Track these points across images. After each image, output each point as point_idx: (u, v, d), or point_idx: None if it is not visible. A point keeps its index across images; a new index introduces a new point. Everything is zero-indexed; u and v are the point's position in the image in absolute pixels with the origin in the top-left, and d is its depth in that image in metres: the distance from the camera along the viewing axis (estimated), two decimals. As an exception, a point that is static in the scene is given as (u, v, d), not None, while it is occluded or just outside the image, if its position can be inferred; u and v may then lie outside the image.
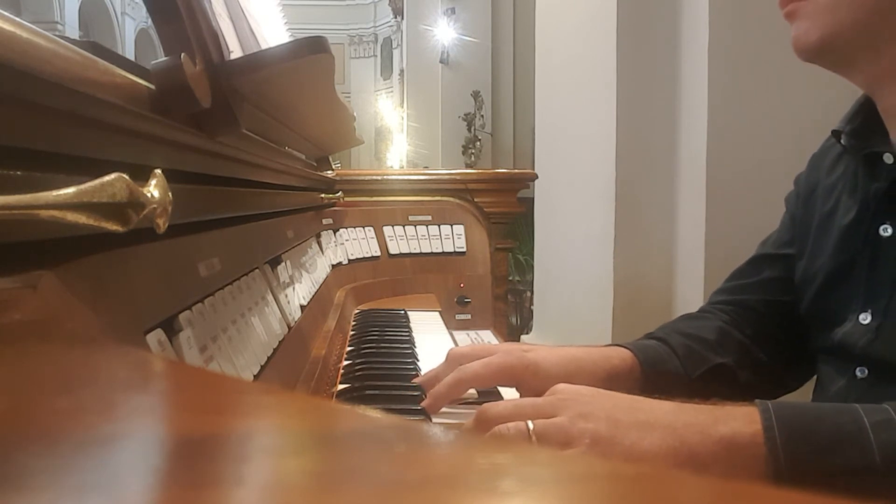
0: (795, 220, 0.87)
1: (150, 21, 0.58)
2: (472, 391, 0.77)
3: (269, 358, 0.62)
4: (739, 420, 0.55)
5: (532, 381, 0.71)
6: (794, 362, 0.85)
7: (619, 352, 0.77)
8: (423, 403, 0.73)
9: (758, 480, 0.53)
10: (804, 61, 0.71)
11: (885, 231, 0.72)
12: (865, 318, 0.73)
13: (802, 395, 0.88)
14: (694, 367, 0.78)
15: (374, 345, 1.03)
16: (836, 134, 0.80)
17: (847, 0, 0.66)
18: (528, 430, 0.56)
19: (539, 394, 0.69)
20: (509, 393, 0.80)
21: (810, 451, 0.53)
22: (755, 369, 0.82)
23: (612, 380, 0.73)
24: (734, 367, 0.80)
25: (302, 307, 0.88)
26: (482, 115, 8.11)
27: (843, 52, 0.69)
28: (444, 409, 0.73)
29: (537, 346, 0.77)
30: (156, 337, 0.39)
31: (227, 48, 0.58)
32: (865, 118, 0.76)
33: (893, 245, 0.72)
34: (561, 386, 0.62)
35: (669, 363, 0.77)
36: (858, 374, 0.73)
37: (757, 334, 0.84)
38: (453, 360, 0.76)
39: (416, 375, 0.86)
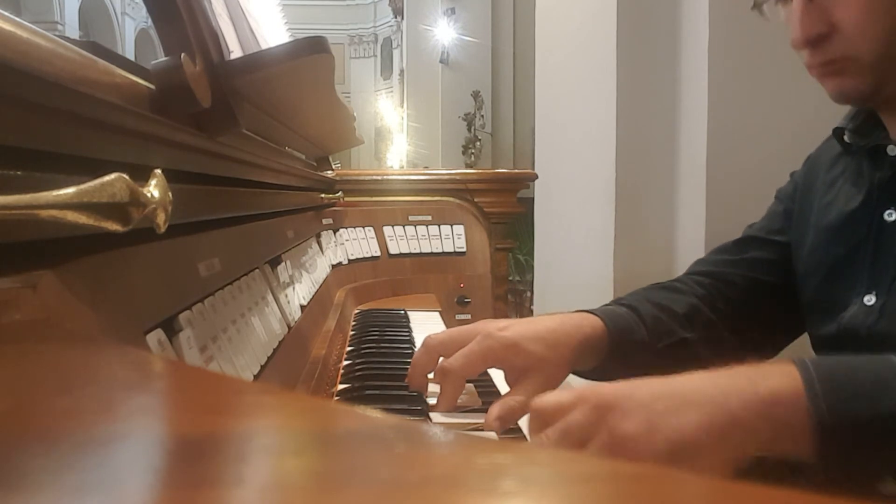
0: (790, 215, 0.89)
1: (150, 21, 0.58)
2: (472, 390, 0.77)
3: (269, 358, 0.62)
4: (777, 377, 0.54)
5: (515, 361, 0.72)
6: (759, 345, 0.86)
7: (590, 320, 0.77)
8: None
9: (801, 435, 0.52)
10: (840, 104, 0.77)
11: (890, 216, 0.75)
12: (870, 300, 0.74)
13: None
14: (660, 338, 0.80)
15: (374, 345, 1.03)
16: (837, 131, 0.83)
17: (891, 55, 0.70)
18: None
19: (524, 370, 0.71)
20: (495, 374, 0.83)
21: (851, 397, 0.53)
22: (717, 347, 0.83)
23: (583, 347, 0.75)
24: (698, 343, 0.82)
25: (302, 307, 0.88)
26: (482, 115, 8.12)
27: (881, 98, 0.74)
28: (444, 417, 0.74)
29: (511, 321, 0.77)
30: (156, 337, 0.39)
31: (227, 48, 0.58)
32: (867, 117, 0.80)
33: None
34: (587, 393, 0.57)
35: (637, 332, 0.78)
36: None
37: (730, 310, 0.86)
38: (431, 348, 0.76)
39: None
